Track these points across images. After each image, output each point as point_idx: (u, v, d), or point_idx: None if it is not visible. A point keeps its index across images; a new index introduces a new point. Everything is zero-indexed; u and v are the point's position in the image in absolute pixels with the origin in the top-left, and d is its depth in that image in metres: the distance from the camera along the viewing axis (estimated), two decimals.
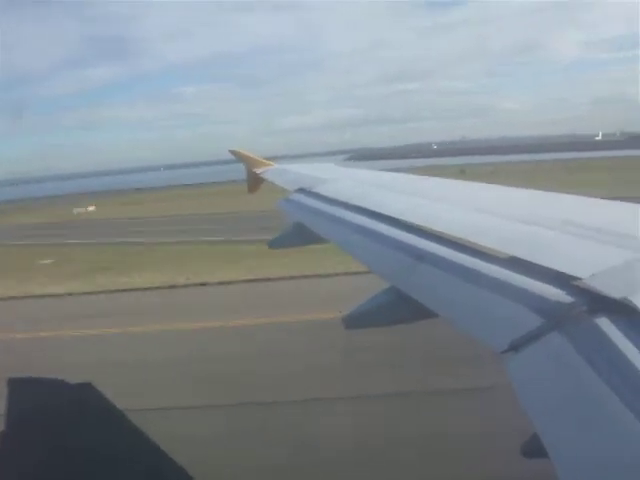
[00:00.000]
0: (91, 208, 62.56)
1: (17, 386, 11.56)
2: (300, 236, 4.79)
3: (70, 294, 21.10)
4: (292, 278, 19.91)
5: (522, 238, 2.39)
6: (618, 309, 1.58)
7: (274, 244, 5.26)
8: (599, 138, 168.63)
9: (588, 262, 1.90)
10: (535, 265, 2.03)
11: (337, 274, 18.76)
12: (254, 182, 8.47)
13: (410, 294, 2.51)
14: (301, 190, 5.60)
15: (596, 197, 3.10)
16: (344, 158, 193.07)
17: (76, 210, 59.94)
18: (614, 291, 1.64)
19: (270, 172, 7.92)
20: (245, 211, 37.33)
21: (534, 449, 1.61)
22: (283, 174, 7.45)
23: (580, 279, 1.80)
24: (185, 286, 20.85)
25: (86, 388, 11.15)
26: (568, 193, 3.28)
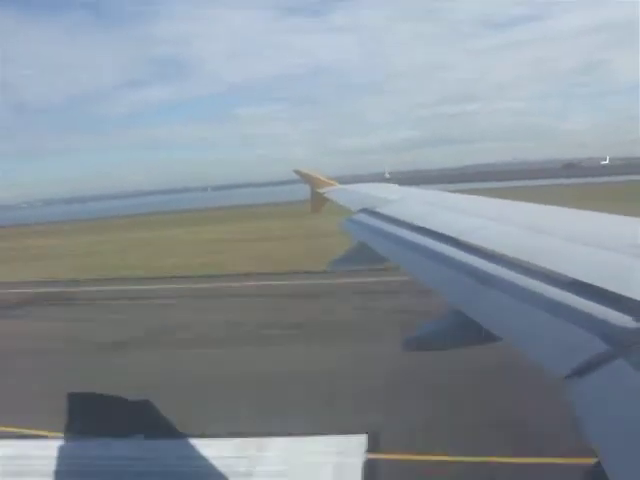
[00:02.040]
0: None
1: (77, 402, 12.10)
2: (363, 257, 4.86)
3: None
4: None
5: (588, 262, 2.40)
6: None
7: (336, 266, 5.34)
8: (606, 162, 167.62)
9: None
10: (602, 290, 2.04)
11: None
12: (318, 202, 8.68)
13: (473, 317, 2.55)
14: (364, 210, 5.70)
15: None
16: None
17: None
18: None
19: (334, 192, 8.09)
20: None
21: (597, 477, 1.62)
22: (347, 194, 7.59)
23: None
24: None
25: (144, 405, 11.58)
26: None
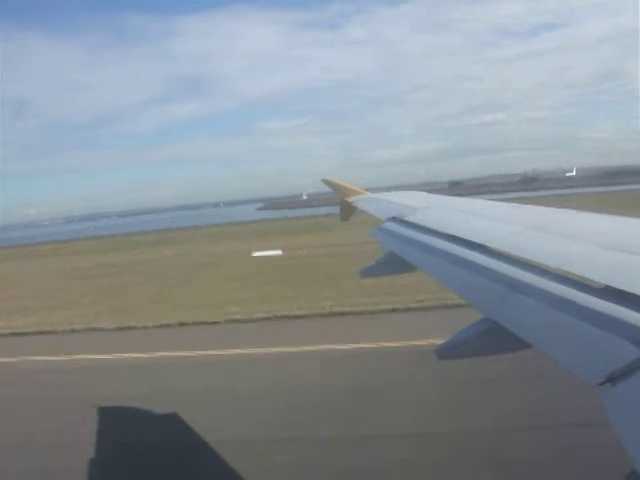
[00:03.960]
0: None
1: (104, 416, 12.24)
2: (392, 265, 4.89)
3: None
4: None
5: (619, 267, 2.39)
6: None
7: (365, 272, 5.38)
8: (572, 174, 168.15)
9: None
10: (633, 295, 2.03)
11: None
12: (347, 211, 8.70)
13: (504, 325, 2.56)
14: (393, 219, 5.71)
15: None
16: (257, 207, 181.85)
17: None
18: None
19: (363, 201, 8.09)
20: None
21: None
22: (375, 202, 7.59)
23: None
24: None
25: (172, 418, 11.64)
26: None
